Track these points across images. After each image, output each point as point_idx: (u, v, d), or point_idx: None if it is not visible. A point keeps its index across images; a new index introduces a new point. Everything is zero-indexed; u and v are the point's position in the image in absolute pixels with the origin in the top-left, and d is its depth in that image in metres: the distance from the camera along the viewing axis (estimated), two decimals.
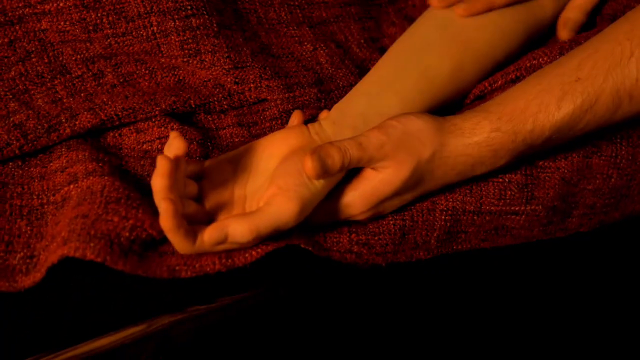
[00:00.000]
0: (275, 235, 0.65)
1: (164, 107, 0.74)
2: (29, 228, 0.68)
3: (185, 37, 0.75)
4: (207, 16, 0.76)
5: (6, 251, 0.66)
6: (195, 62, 0.76)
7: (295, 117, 0.75)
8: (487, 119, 0.68)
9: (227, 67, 0.76)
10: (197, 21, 0.75)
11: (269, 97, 0.77)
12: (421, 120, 0.68)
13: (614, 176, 0.75)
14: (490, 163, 0.70)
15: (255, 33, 0.80)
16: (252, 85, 0.77)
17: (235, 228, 0.61)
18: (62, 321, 0.65)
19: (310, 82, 0.79)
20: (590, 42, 0.70)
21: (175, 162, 0.61)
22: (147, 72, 0.77)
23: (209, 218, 0.66)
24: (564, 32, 0.81)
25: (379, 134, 0.67)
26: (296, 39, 0.82)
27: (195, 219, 0.64)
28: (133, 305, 0.66)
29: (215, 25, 0.76)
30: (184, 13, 0.75)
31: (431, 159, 0.68)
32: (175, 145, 0.62)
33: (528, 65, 0.76)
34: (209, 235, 0.61)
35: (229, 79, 0.76)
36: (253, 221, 0.62)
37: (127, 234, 0.63)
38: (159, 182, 0.60)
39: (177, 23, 0.75)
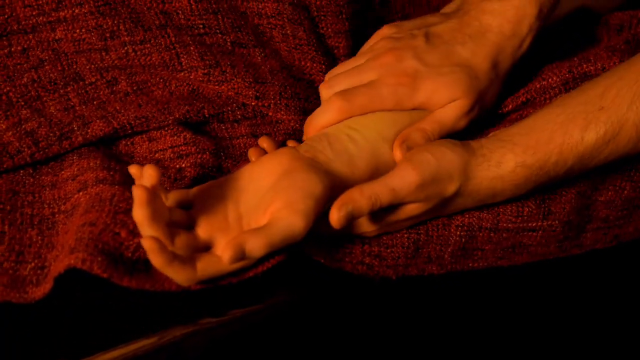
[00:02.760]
0: (286, 247, 0.64)
1: (177, 116, 0.74)
2: (39, 238, 0.67)
3: (203, 49, 0.74)
4: (220, 35, 0.74)
5: (17, 261, 0.66)
6: (216, 73, 0.74)
7: (265, 143, 0.74)
8: (512, 152, 0.67)
9: (248, 80, 0.75)
10: (210, 39, 0.74)
11: (285, 117, 0.76)
12: (455, 154, 0.67)
13: (627, 188, 0.75)
14: (511, 194, 0.69)
15: (275, 51, 0.79)
16: (272, 101, 0.76)
17: (251, 245, 0.60)
18: (73, 333, 0.65)
19: None
20: (614, 70, 0.69)
21: (153, 190, 0.59)
22: (161, 80, 0.76)
23: (204, 245, 0.64)
24: (397, 152, 0.70)
25: (414, 175, 0.65)
26: (321, 67, 0.79)
27: (190, 247, 0.63)
28: (145, 317, 0.65)
29: (229, 44, 0.75)
30: (196, 31, 0.74)
31: (455, 193, 0.67)
32: (148, 173, 0.60)
33: (538, 86, 0.75)
34: (228, 253, 0.59)
35: (250, 93, 0.75)
36: (267, 235, 0.61)
37: (130, 255, 0.62)
38: (139, 213, 0.58)
39: (193, 38, 0.74)
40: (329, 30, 0.80)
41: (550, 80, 0.75)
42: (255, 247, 0.60)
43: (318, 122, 0.73)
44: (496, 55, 0.73)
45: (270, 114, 0.76)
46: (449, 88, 0.72)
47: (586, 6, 0.88)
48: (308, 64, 0.79)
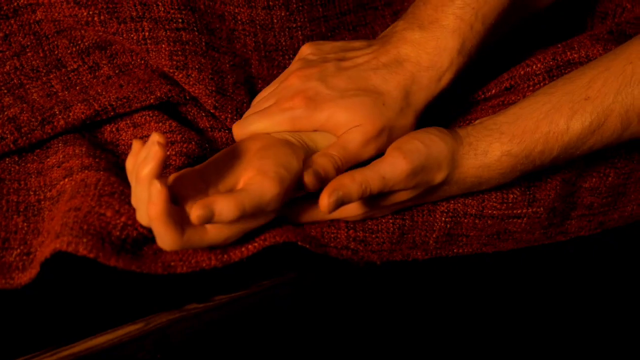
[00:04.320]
0: (258, 216, 0.63)
1: (159, 94, 0.73)
2: (25, 224, 0.67)
3: (175, 48, 0.73)
4: (197, 33, 0.74)
5: (2, 248, 0.66)
6: (181, 75, 0.74)
7: None
8: (499, 141, 0.68)
9: (210, 88, 0.74)
10: (187, 36, 0.74)
11: None
12: (444, 143, 0.67)
13: (611, 175, 0.76)
14: (497, 182, 0.70)
15: (246, 60, 0.79)
16: (229, 115, 0.75)
17: (221, 205, 0.59)
18: (59, 319, 0.65)
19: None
20: (601, 60, 0.69)
21: (165, 148, 0.57)
22: (142, 62, 0.76)
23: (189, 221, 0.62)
24: (305, 176, 0.66)
25: (405, 164, 0.65)
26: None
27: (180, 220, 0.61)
28: (131, 304, 0.66)
29: (203, 44, 0.74)
30: (174, 25, 0.73)
31: (443, 181, 0.68)
32: (155, 138, 0.57)
33: (522, 73, 0.75)
34: (195, 213, 0.57)
35: (209, 101, 0.74)
36: (238, 198, 0.60)
37: (118, 234, 0.62)
38: (150, 167, 0.57)
39: (169, 33, 0.73)
40: (305, 19, 0.80)
41: (534, 67, 0.75)
42: (225, 208, 0.59)
43: None
44: (409, 85, 0.70)
45: (228, 126, 0.76)
46: (349, 112, 0.69)
47: None
48: (275, 72, 0.80)
